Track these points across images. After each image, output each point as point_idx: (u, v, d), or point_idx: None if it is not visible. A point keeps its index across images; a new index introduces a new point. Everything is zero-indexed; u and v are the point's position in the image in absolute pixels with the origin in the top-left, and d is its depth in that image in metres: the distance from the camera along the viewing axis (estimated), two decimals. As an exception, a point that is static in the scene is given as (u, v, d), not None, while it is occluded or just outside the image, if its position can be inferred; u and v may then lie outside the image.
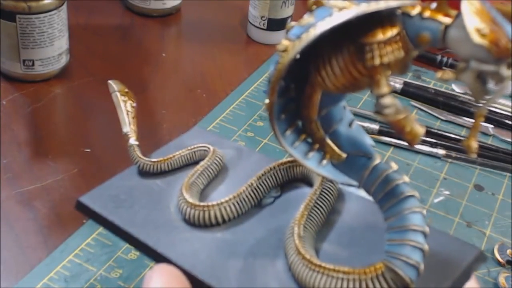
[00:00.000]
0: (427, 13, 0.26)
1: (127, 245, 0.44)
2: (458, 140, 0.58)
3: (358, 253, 0.31)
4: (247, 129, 0.57)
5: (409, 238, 0.27)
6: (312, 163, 0.31)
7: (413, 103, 0.63)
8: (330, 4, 0.27)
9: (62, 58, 0.60)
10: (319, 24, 0.27)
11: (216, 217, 0.34)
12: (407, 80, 0.65)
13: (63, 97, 0.59)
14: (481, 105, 0.26)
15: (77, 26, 0.68)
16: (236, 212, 0.34)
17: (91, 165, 0.52)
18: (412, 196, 0.28)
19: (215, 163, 0.38)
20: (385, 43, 0.26)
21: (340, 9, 0.27)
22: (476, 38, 0.24)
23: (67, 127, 0.57)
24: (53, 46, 0.58)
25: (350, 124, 0.31)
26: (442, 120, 0.62)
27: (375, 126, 0.58)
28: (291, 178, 0.37)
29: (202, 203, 0.34)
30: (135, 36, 0.69)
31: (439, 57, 0.69)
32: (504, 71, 0.25)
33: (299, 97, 0.31)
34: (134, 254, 0.44)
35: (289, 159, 0.36)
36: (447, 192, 0.53)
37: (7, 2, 0.55)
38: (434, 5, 0.26)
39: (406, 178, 0.29)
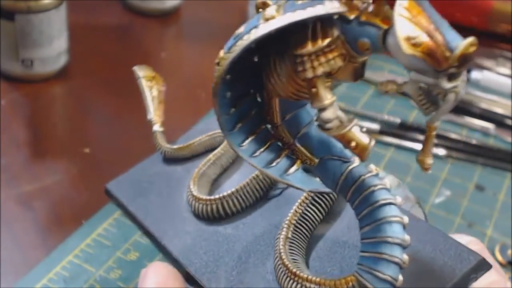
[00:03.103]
0: (364, 18, 0.23)
1: (127, 245, 0.44)
2: (459, 140, 0.58)
3: (353, 256, 0.30)
4: (247, 129, 0.56)
5: (382, 251, 0.25)
6: (275, 172, 0.29)
7: (414, 103, 0.63)
8: (264, 12, 0.25)
9: (61, 57, 0.59)
10: (245, 38, 0.25)
11: (218, 211, 0.34)
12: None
13: (62, 97, 0.59)
14: (431, 118, 0.24)
15: (77, 25, 0.68)
16: (240, 206, 0.34)
17: (91, 165, 0.51)
18: (389, 204, 0.25)
19: (230, 151, 0.37)
20: (317, 53, 0.24)
21: (266, 19, 0.24)
22: (406, 48, 0.22)
23: (66, 127, 0.57)
24: (52, 45, 0.58)
25: None
26: (442, 120, 0.61)
27: (376, 126, 0.58)
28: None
29: (205, 197, 0.34)
30: (134, 36, 0.69)
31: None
32: (444, 83, 0.22)
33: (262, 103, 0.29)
34: (133, 254, 0.44)
35: None
36: (448, 193, 0.53)
37: (6, 2, 0.55)
38: (372, 7, 0.23)
39: (387, 183, 0.26)
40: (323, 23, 0.24)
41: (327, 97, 0.24)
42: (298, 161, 0.29)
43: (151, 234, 0.34)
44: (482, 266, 0.28)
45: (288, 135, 0.29)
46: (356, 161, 0.27)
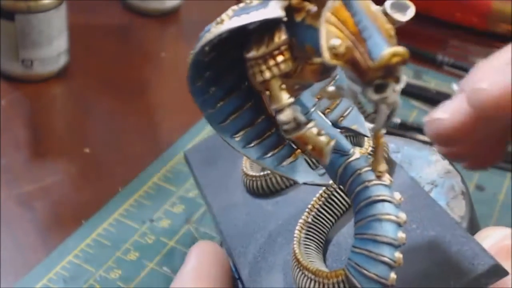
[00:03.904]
0: (307, 20, 0.23)
1: (127, 245, 0.44)
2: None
3: None
4: (247, 129, 0.56)
5: (369, 249, 0.24)
6: (269, 163, 0.28)
7: (414, 103, 0.63)
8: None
9: (61, 58, 0.59)
10: (201, 40, 0.25)
11: (263, 188, 0.34)
12: (407, 80, 0.65)
13: (62, 97, 0.59)
14: (373, 127, 0.23)
15: (77, 25, 0.68)
16: (283, 184, 0.33)
17: (91, 165, 0.51)
18: (381, 201, 0.24)
19: None
20: (265, 57, 0.24)
21: (217, 23, 0.24)
22: (329, 58, 0.21)
23: (66, 127, 0.57)
24: (52, 45, 0.58)
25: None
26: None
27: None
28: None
29: (251, 173, 0.34)
30: (134, 36, 0.69)
31: (439, 57, 0.69)
32: (371, 94, 0.21)
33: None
34: (133, 254, 0.44)
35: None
36: (447, 192, 0.53)
37: (6, 2, 0.55)
38: (314, 8, 0.22)
39: (387, 179, 0.25)
40: (270, 27, 0.24)
41: (283, 99, 0.24)
42: (297, 152, 0.28)
43: (209, 205, 0.35)
44: (496, 273, 0.26)
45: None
46: (356, 154, 0.26)
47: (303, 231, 0.30)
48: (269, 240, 0.32)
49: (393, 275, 0.24)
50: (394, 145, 0.37)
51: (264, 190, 0.34)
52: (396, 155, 0.36)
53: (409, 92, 0.64)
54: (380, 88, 0.21)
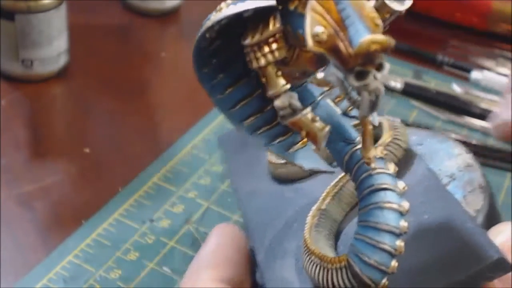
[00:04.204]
0: (299, 8, 0.23)
1: (127, 245, 0.44)
2: (459, 140, 0.58)
3: None
4: (247, 129, 0.56)
5: (370, 236, 0.25)
6: (276, 149, 0.29)
7: (414, 103, 0.63)
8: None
9: (61, 58, 0.59)
10: (202, 27, 0.26)
11: (286, 175, 0.34)
12: (407, 80, 0.65)
13: (62, 97, 0.59)
14: (359, 114, 0.23)
15: (77, 25, 0.68)
16: (305, 172, 0.33)
17: (91, 165, 0.51)
18: (383, 189, 0.25)
19: None
20: (259, 45, 0.25)
21: (217, 11, 0.25)
22: (312, 45, 0.21)
23: (66, 127, 0.57)
24: (52, 46, 0.58)
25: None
26: (443, 120, 0.62)
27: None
28: (376, 139, 0.33)
29: (274, 160, 0.35)
30: (134, 36, 0.69)
31: (439, 57, 0.69)
32: (352, 81, 0.21)
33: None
34: (133, 254, 0.44)
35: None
36: (448, 192, 0.53)
37: (6, 2, 0.55)
38: None
39: (391, 168, 0.26)
40: (264, 15, 0.24)
41: (278, 85, 0.25)
42: (305, 140, 0.28)
43: (235, 188, 0.36)
44: (501, 267, 0.26)
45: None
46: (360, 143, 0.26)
47: (316, 218, 0.30)
48: (286, 226, 0.32)
49: (394, 263, 0.25)
50: (417, 137, 0.37)
51: (286, 178, 0.35)
52: (418, 147, 0.35)
53: (409, 92, 0.64)
54: (361, 75, 0.21)
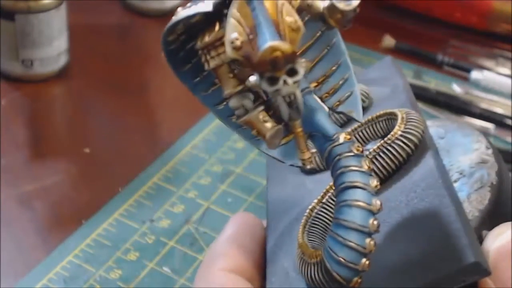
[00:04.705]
0: None
1: (127, 245, 0.44)
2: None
3: (388, 223, 0.29)
4: (247, 129, 0.56)
5: (338, 233, 0.25)
6: (260, 144, 0.30)
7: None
8: None
9: (61, 58, 0.59)
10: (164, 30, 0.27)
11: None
12: (408, 80, 0.65)
13: (62, 97, 0.59)
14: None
15: (77, 25, 0.68)
16: (321, 164, 0.34)
17: (91, 165, 0.51)
18: (353, 187, 0.25)
19: None
20: (208, 48, 0.26)
21: (174, 15, 0.26)
22: (230, 51, 0.22)
23: (66, 127, 0.57)
24: (52, 46, 0.58)
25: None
26: (442, 119, 0.62)
27: None
28: (390, 131, 0.33)
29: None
30: (134, 35, 0.69)
31: (439, 57, 0.69)
32: (265, 86, 0.22)
33: None
34: (133, 254, 0.44)
35: (386, 111, 0.34)
36: (448, 192, 0.53)
37: (6, 2, 0.55)
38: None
39: (365, 166, 0.26)
40: (212, 20, 0.25)
41: (230, 87, 0.26)
42: (291, 135, 0.29)
43: (267, 175, 0.37)
44: (476, 271, 0.25)
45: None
46: (340, 139, 0.26)
47: (315, 211, 0.31)
48: (299, 216, 0.32)
49: (364, 261, 0.25)
50: (442, 130, 0.36)
51: (308, 169, 0.35)
52: (439, 141, 0.35)
53: (409, 92, 0.64)
54: (272, 81, 0.22)
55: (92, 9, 0.72)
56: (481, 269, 0.25)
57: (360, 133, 0.34)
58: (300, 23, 0.22)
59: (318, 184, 0.34)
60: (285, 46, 0.21)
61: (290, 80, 0.22)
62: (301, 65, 0.22)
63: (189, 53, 0.28)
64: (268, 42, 0.21)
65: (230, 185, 0.50)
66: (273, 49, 0.21)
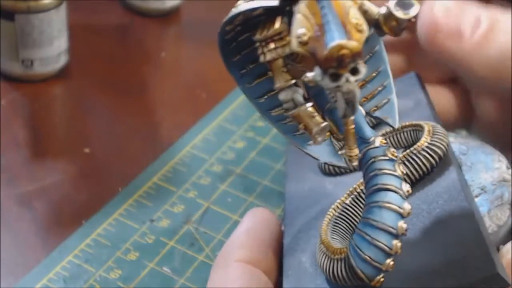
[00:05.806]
0: None
1: (127, 245, 0.44)
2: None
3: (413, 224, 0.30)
4: (247, 129, 0.56)
5: (366, 232, 0.26)
6: (298, 140, 0.31)
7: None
8: None
9: (61, 58, 0.59)
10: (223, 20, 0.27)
11: (327, 168, 0.36)
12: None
13: (62, 97, 0.59)
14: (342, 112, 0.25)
15: (77, 25, 0.68)
16: (347, 168, 0.34)
17: (91, 165, 0.51)
18: (385, 190, 0.26)
19: None
20: (266, 41, 0.26)
21: (235, 6, 0.27)
22: (296, 46, 0.23)
23: (66, 127, 0.57)
24: (52, 45, 0.58)
25: None
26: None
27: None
28: (415, 142, 0.35)
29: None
30: (134, 35, 0.69)
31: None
32: (327, 82, 0.23)
33: None
34: (133, 254, 0.44)
35: (412, 122, 0.35)
36: (448, 193, 0.53)
37: (6, 1, 0.55)
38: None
39: (398, 170, 0.26)
40: (273, 14, 0.26)
41: (282, 80, 0.27)
42: (327, 134, 0.30)
43: (285, 173, 0.38)
44: (495, 282, 0.26)
45: (317, 108, 0.30)
46: (376, 143, 0.28)
47: (338, 210, 0.32)
48: (317, 216, 0.33)
49: (389, 262, 0.26)
50: (466, 147, 0.38)
51: (329, 170, 0.36)
52: (461, 156, 0.37)
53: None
54: (335, 78, 0.23)
55: (92, 9, 0.72)
56: (501, 281, 0.26)
57: (391, 139, 0.36)
58: (365, 26, 0.23)
59: (338, 186, 0.35)
60: (352, 44, 0.22)
61: (352, 78, 0.23)
62: (362, 65, 0.23)
63: (241, 44, 0.29)
64: (337, 40, 0.22)
65: (230, 185, 0.50)
66: (341, 47, 0.22)
